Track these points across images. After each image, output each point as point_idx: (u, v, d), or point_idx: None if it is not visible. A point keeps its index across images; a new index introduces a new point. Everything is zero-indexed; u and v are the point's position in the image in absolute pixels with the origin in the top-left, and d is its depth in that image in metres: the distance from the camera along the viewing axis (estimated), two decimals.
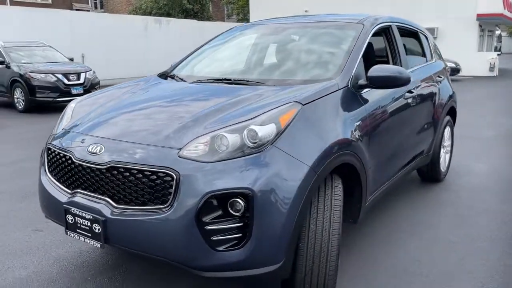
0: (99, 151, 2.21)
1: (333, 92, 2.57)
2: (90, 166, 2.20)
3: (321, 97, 2.46)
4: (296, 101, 2.30)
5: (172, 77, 3.28)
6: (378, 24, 3.34)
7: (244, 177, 1.99)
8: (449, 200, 4.09)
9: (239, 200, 1.98)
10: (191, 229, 1.96)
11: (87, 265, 2.89)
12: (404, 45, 4.20)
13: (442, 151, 4.55)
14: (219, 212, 1.99)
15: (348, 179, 2.65)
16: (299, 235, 2.22)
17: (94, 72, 11.18)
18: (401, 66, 3.55)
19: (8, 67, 10.65)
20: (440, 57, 4.72)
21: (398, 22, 3.81)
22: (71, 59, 12.03)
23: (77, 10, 34.12)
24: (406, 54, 3.95)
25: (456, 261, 2.96)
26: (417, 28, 4.33)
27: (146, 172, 2.05)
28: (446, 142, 4.66)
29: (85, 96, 3.01)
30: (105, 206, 2.14)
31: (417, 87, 3.66)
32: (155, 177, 2.04)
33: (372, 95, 2.94)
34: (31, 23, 15.55)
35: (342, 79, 2.71)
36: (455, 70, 18.28)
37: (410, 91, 3.45)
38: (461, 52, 20.83)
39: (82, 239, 2.24)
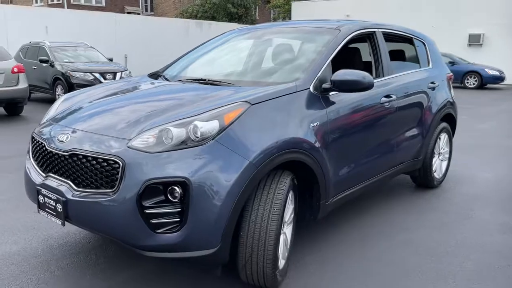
0: (65, 140, 2.49)
1: (289, 94, 2.72)
2: (57, 152, 2.49)
3: (274, 98, 2.62)
4: (245, 101, 2.48)
5: (159, 76, 3.54)
6: (355, 31, 3.44)
7: (183, 167, 2.20)
8: (438, 207, 4.10)
9: (176, 188, 2.19)
10: (133, 211, 2.19)
11: (69, 244, 3.20)
12: (402, 51, 4.29)
13: (437, 157, 4.55)
14: (160, 198, 2.21)
15: (306, 178, 2.81)
16: (241, 224, 2.40)
17: (130, 72, 11.75)
18: (382, 71, 3.65)
19: (52, 65, 11.41)
20: (440, 63, 4.71)
21: (385, 29, 3.89)
22: (110, 59, 12.69)
23: (128, 13, 35.61)
24: (396, 59, 4.03)
25: (414, 263, 3.02)
26: (412, 35, 4.37)
27: (99, 159, 2.31)
28: (443, 149, 4.66)
29: (74, 92, 3.32)
30: (67, 189, 2.41)
31: (400, 92, 3.72)
32: (106, 164, 2.29)
33: (341, 98, 3.06)
34: (82, 25, 16.52)
35: (303, 82, 2.86)
36: (498, 78, 17.62)
37: (388, 96, 3.53)
38: (508, 59, 20.00)
39: (49, 217, 2.52)
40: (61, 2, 33.21)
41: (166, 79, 3.42)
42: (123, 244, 2.32)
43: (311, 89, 2.88)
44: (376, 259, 3.07)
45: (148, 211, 2.20)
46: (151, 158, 2.22)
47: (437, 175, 4.60)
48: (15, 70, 9.41)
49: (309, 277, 2.81)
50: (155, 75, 3.60)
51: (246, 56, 3.60)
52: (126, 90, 3.13)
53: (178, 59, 3.87)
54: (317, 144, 2.77)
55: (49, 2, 34.26)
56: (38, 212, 2.62)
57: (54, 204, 2.45)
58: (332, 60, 3.12)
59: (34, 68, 11.91)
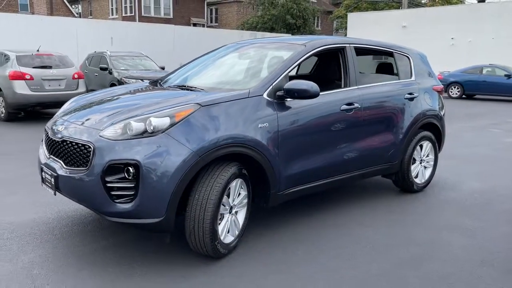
0: (61, 130, 3.24)
1: (241, 99, 3.29)
2: (55, 139, 3.24)
3: (225, 101, 3.20)
4: (196, 103, 3.09)
5: (157, 82, 4.24)
6: (319, 47, 3.94)
7: (136, 152, 2.85)
8: (409, 210, 4.42)
9: (130, 168, 2.84)
10: (98, 184, 2.87)
11: (74, 217, 3.96)
12: (383, 64, 4.70)
13: (418, 164, 4.86)
14: (120, 175, 2.87)
15: (257, 170, 3.36)
16: (187, 202, 3.01)
17: None
18: (349, 81, 4.10)
19: (110, 72, 12.68)
20: (426, 76, 5.02)
21: (359, 44, 4.33)
22: (162, 68, 13.81)
23: (194, 24, 37.54)
24: (377, 71, 4.47)
25: (348, 257, 3.44)
26: (393, 49, 4.75)
27: (79, 144, 3.02)
28: (427, 156, 4.96)
29: (83, 94, 4.09)
30: (59, 167, 3.14)
31: (366, 101, 4.13)
32: (83, 148, 2.99)
33: (299, 105, 3.58)
34: (143, 36, 17.98)
35: (257, 89, 3.41)
36: None
37: (350, 104, 3.97)
38: None
39: (47, 189, 3.27)
40: (133, 14, 35.83)
41: (161, 85, 4.11)
42: (93, 210, 3.01)
43: (265, 95, 3.42)
44: (322, 247, 3.52)
45: (109, 184, 2.87)
46: (114, 144, 2.89)
47: (418, 180, 4.91)
48: (75, 76, 10.69)
49: (254, 254, 3.33)
50: (155, 82, 4.31)
51: (225, 67, 4.21)
52: (121, 94, 3.83)
53: (178, 69, 4.56)
54: (265, 142, 3.31)
55: (123, 15, 37.00)
56: (42, 185, 3.38)
57: (50, 178, 3.20)
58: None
59: (96, 75, 13.28)
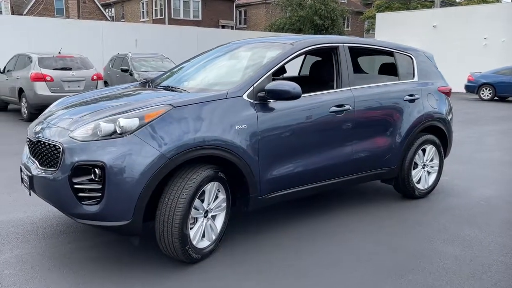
0: (38, 130, 3.24)
1: (217, 100, 3.20)
2: (32, 140, 3.25)
3: (199, 102, 3.12)
4: (169, 104, 3.03)
5: (147, 83, 4.21)
6: (307, 46, 3.81)
7: (103, 153, 2.80)
8: (406, 217, 4.21)
9: (97, 169, 2.80)
10: (66, 186, 2.84)
11: (61, 216, 3.97)
12: (384, 64, 4.52)
13: (420, 169, 4.64)
14: (88, 177, 2.83)
15: (236, 173, 3.26)
16: (158, 204, 2.95)
17: None
18: (340, 82, 3.95)
19: (131, 74, 12.85)
20: (431, 77, 4.79)
21: (353, 43, 4.17)
22: None
23: (222, 26, 37.78)
24: (365, 72, 4.28)
25: (329, 265, 3.29)
26: (395, 49, 4.55)
27: (51, 145, 3.01)
28: (431, 161, 4.73)
29: (67, 96, 4.08)
30: (35, 167, 3.14)
31: (359, 103, 3.96)
32: (54, 148, 2.98)
33: (282, 107, 3.47)
34: (167, 38, 18.19)
35: (236, 90, 3.32)
36: None
37: (340, 105, 3.82)
38: None
39: (25, 189, 3.28)
40: (163, 17, 36.39)
41: (148, 86, 4.07)
42: (62, 211, 2.99)
43: (245, 96, 3.32)
44: (304, 255, 3.38)
45: (76, 186, 2.83)
46: (83, 145, 2.86)
47: (421, 186, 4.68)
48: (94, 78, 10.88)
49: (231, 260, 3.24)
50: (144, 83, 4.29)
51: (215, 68, 4.13)
52: (104, 95, 3.80)
53: (171, 69, 4.52)
54: (243, 144, 3.21)
55: (153, 18, 37.64)
56: (21, 185, 3.40)
57: (26, 178, 3.20)
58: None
59: (118, 76, 13.49)
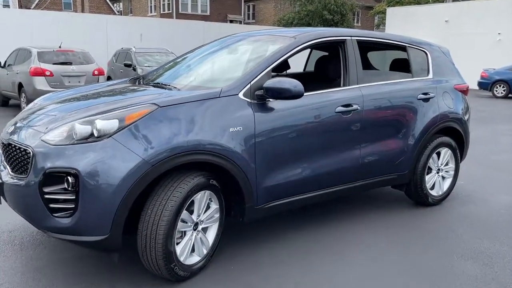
0: (11, 131, 2.92)
1: (210, 99, 2.86)
2: (3, 142, 2.93)
3: (189, 102, 2.78)
4: (153, 103, 2.69)
5: (137, 80, 3.87)
6: (312, 40, 3.45)
7: (76, 159, 2.48)
8: (418, 228, 3.85)
9: (69, 177, 2.47)
10: (36, 196, 2.52)
11: None
12: (395, 60, 4.14)
13: (434, 173, 4.28)
14: (60, 186, 2.51)
15: (230, 180, 2.93)
16: (140, 217, 2.62)
17: None
18: (348, 80, 3.59)
19: (134, 69, 12.54)
20: (446, 74, 4.40)
21: (362, 37, 3.80)
22: None
23: (230, 21, 37.37)
24: (375, 68, 3.92)
25: (328, 285, 2.95)
26: (408, 43, 4.17)
27: (21, 148, 2.69)
28: (446, 165, 4.36)
29: (48, 94, 3.73)
30: (7, 173, 2.83)
31: (369, 102, 3.60)
32: (24, 152, 2.65)
33: (281, 106, 3.12)
34: (172, 32, 17.87)
35: (231, 88, 2.98)
36: None
37: (347, 105, 3.46)
38: None
39: None
40: (171, 11, 36.06)
41: (138, 83, 3.74)
42: (32, 224, 2.67)
43: (240, 95, 2.98)
44: (303, 273, 3.05)
45: (47, 196, 2.51)
46: (54, 150, 2.54)
47: (435, 192, 4.32)
48: (95, 73, 10.59)
49: (223, 276, 2.90)
50: (135, 79, 3.95)
51: (212, 63, 3.78)
52: (88, 92, 3.47)
53: (165, 64, 4.18)
54: (237, 148, 2.87)
55: (161, 12, 37.33)
56: None
57: None
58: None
59: (121, 71, 13.19)
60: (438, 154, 4.28)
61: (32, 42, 13.29)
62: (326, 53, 4.38)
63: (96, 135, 2.53)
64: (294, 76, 4.69)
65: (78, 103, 3.12)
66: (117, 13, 40.69)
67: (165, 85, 3.38)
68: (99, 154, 2.49)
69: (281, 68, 4.52)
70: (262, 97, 3.04)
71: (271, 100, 3.08)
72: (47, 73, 9.81)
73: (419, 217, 4.07)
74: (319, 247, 3.37)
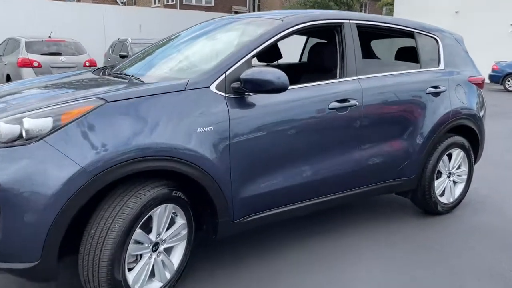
0: None
1: (173, 92, 2.35)
2: None
3: (145, 96, 2.27)
4: (100, 98, 2.18)
5: (101, 71, 3.37)
6: (303, 23, 2.91)
7: None
8: (425, 240, 3.33)
9: None
10: None
11: None
12: (401, 49, 3.60)
13: (444, 178, 3.75)
14: None
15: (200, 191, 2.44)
16: (82, 238, 2.13)
17: None
18: (345, 71, 3.06)
19: None
20: (460, 64, 3.85)
21: (362, 20, 3.25)
22: None
23: (235, 12, 36.73)
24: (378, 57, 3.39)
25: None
26: (414, 29, 3.62)
27: None
28: (456, 168, 3.83)
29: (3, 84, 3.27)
30: None
31: (369, 96, 3.08)
32: None
33: (262, 101, 2.61)
34: (172, 22, 17.34)
35: (200, 79, 2.46)
36: None
37: (343, 100, 2.93)
38: None
39: None
40: (174, 3, 35.50)
41: (103, 73, 3.23)
42: None
43: (212, 87, 2.47)
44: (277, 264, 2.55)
45: None
46: None
47: (445, 199, 3.79)
48: (86, 64, 10.11)
49: None
50: (100, 69, 3.45)
51: (188, 50, 3.24)
52: (39, 84, 2.96)
53: (136, 54, 3.67)
54: (206, 152, 2.37)
55: (165, 3, 36.78)
56: None
57: None
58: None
59: (117, 63, 12.67)
60: (449, 156, 3.75)
61: (27, 32, 12.82)
62: (324, 41, 3.85)
63: (24, 137, 2.03)
64: (287, 66, 4.19)
65: (21, 97, 2.62)
66: (120, 4, 40.15)
67: (130, 76, 2.87)
68: (27, 161, 1.99)
69: (271, 57, 4.01)
70: (239, 91, 2.52)
71: (251, 94, 2.56)
72: (35, 64, 9.36)
73: (426, 227, 3.55)
74: (312, 260, 2.87)
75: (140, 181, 2.25)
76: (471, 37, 20.78)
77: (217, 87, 2.48)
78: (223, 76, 2.51)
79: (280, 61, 4.15)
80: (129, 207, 2.14)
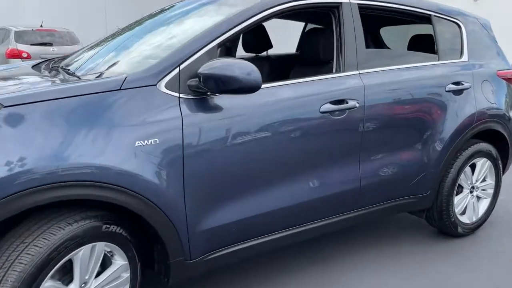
0: None
1: (102, 93, 1.74)
2: None
3: (62, 98, 1.67)
4: None
5: (47, 64, 2.77)
6: (287, 2, 2.26)
7: None
8: (440, 269, 2.72)
9: None
10: None
11: None
12: (424, 38, 2.98)
13: (467, 193, 3.11)
14: None
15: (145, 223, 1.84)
16: None
17: None
18: (343, 64, 2.42)
19: None
20: (487, 56, 3.18)
21: (366, 0, 2.59)
22: None
23: None
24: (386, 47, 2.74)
25: None
26: (432, 11, 2.95)
27: None
28: (481, 181, 3.17)
29: None
30: None
31: (373, 96, 2.44)
32: None
33: (231, 103, 2.00)
34: None
35: (143, 75, 1.86)
36: None
37: (338, 101, 2.30)
38: None
39: None
40: None
41: (46, 67, 2.62)
42: None
43: (162, 86, 1.86)
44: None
45: None
46: None
47: (467, 218, 3.14)
48: None
49: None
50: (44, 62, 2.85)
51: (147, 39, 2.60)
52: None
53: (89, 45, 3.04)
54: (150, 175, 1.77)
55: None
56: None
57: None
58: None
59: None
60: (473, 167, 3.10)
61: (25, 21, 12.29)
62: (320, 27, 3.20)
63: None
64: (278, 58, 3.55)
65: None
66: None
67: (69, 71, 2.27)
68: None
69: (259, 46, 3.38)
70: (199, 90, 1.90)
71: (215, 95, 1.95)
72: (24, 54, 8.84)
73: (442, 254, 2.92)
74: None
75: (61, 211, 1.67)
76: (492, 27, 19.79)
77: (168, 86, 1.87)
78: (177, 70, 1.90)
79: (271, 51, 3.52)
80: (37, 247, 1.55)
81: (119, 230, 1.81)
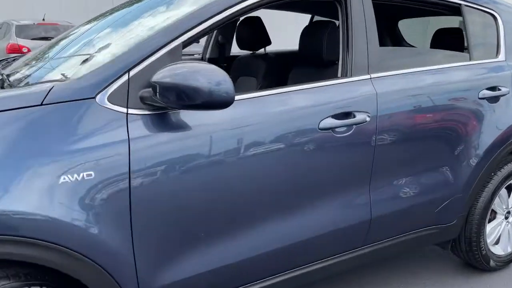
0: None
1: (17, 110, 1.29)
2: None
3: None
4: None
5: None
6: None
7: None
8: None
9: None
10: None
11: None
12: (450, 33, 2.49)
13: (502, 220, 2.60)
14: None
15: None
16: None
17: None
18: (350, 66, 1.92)
19: None
20: None
21: None
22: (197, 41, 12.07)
23: None
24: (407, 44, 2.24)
25: None
26: (461, 0, 2.42)
27: None
28: None
29: None
30: None
31: (387, 106, 1.94)
32: None
33: (199, 120, 1.52)
34: None
35: (78, 84, 1.40)
36: None
37: (343, 115, 1.81)
38: None
39: None
40: None
41: None
42: None
43: (103, 99, 1.40)
44: None
45: None
46: None
47: (501, 249, 2.63)
48: None
49: None
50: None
51: (104, 37, 2.12)
52: None
53: (51, 43, 2.57)
54: (82, 221, 1.32)
55: None
56: None
57: None
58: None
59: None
60: (509, 188, 2.57)
61: (33, 15, 11.96)
62: (325, 19, 2.69)
63: None
64: (277, 56, 3.06)
65: None
66: None
67: (4, 76, 1.83)
68: None
69: (255, 42, 2.89)
70: (154, 104, 1.43)
71: (177, 110, 1.48)
72: (24, 50, 8.48)
73: None
74: None
75: None
76: None
77: (111, 98, 1.41)
78: (125, 78, 1.43)
79: (270, 48, 3.03)
80: None
81: None
